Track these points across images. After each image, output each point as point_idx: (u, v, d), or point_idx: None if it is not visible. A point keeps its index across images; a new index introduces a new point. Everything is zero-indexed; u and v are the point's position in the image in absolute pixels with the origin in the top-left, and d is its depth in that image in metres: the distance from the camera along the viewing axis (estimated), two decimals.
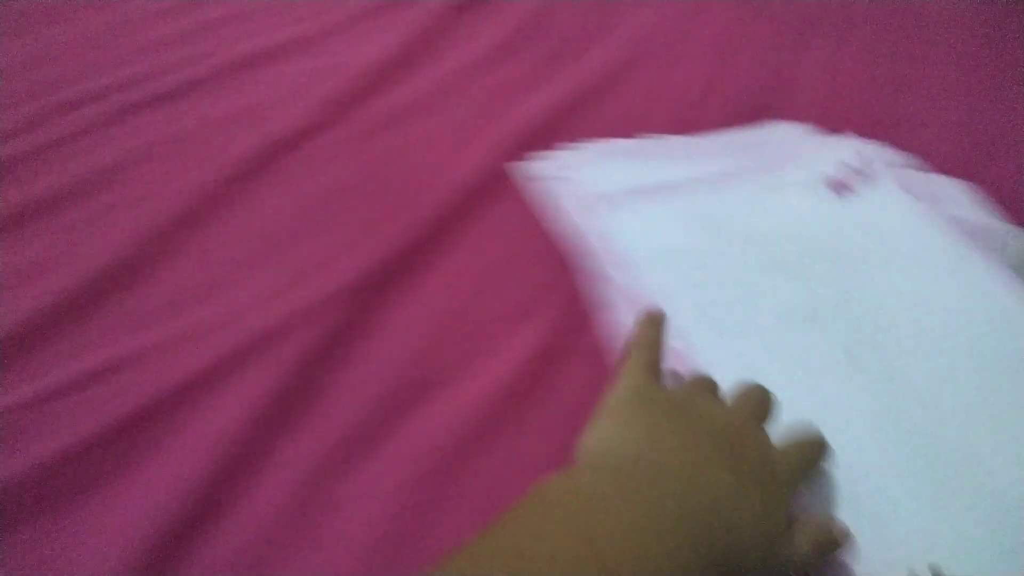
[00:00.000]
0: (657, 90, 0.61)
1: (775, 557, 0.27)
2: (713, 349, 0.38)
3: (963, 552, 0.29)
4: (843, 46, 0.69)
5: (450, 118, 0.56)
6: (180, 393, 0.36)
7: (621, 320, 0.40)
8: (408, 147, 0.53)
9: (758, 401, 0.32)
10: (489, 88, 0.60)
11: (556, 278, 0.43)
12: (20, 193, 0.47)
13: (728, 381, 0.33)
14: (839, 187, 0.48)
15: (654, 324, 0.37)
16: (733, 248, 0.44)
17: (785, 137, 0.53)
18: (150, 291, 0.42)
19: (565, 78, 0.61)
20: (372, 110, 0.56)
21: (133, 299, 0.41)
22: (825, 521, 0.29)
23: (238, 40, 0.64)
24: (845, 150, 0.50)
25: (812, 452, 0.31)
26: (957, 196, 0.46)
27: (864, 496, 0.31)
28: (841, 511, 0.31)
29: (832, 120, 0.55)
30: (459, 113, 0.57)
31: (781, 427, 0.31)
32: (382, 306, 0.41)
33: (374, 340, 0.39)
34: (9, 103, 0.55)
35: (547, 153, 0.52)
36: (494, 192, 0.49)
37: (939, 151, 0.52)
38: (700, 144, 0.53)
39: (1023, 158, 0.54)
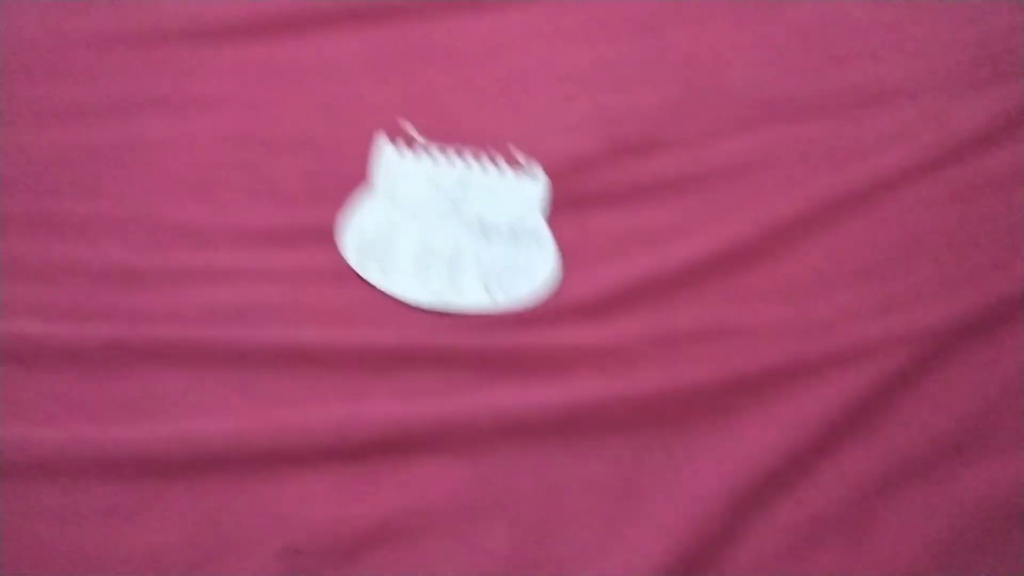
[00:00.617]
0: None
1: None
2: None
3: None
4: None
5: None
6: (772, 372, 0.48)
7: None
8: (996, 216, 0.58)
9: None
10: None
11: None
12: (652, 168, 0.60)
13: None
14: None
15: None
16: None
17: None
18: (757, 278, 0.54)
19: None
20: (970, 170, 0.60)
21: (745, 281, 0.54)
22: None
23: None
24: None
25: None
26: None
27: None
28: None
29: None
30: None
31: None
32: (956, 355, 0.50)
33: (942, 384, 0.49)
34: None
35: None
36: None
37: None
38: None
39: None
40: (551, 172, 0.58)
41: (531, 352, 0.49)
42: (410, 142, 0.59)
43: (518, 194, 0.56)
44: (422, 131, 0.60)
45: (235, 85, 0.63)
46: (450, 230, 0.54)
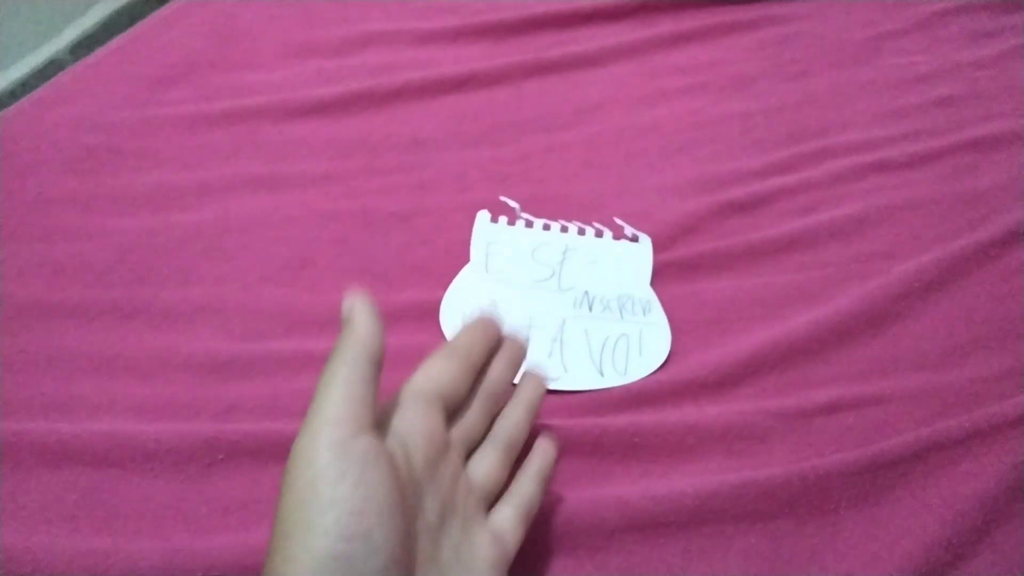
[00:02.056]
0: None
1: None
2: None
3: None
4: None
5: None
6: (917, 449, 0.44)
7: None
8: None
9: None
10: None
11: None
12: (762, 228, 0.57)
13: None
14: None
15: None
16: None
17: None
18: (892, 343, 0.50)
19: None
20: None
21: (874, 347, 0.50)
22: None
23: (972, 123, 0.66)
24: None
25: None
26: None
27: None
28: None
29: None
30: None
31: None
32: None
33: None
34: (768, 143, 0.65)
35: None
36: None
37: None
38: None
39: None
40: (656, 238, 0.56)
41: (650, 434, 0.45)
42: (511, 215, 0.57)
43: (624, 262, 0.54)
44: (520, 202, 0.58)
45: (326, 162, 0.63)
46: (555, 303, 0.51)
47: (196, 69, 0.72)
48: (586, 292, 0.52)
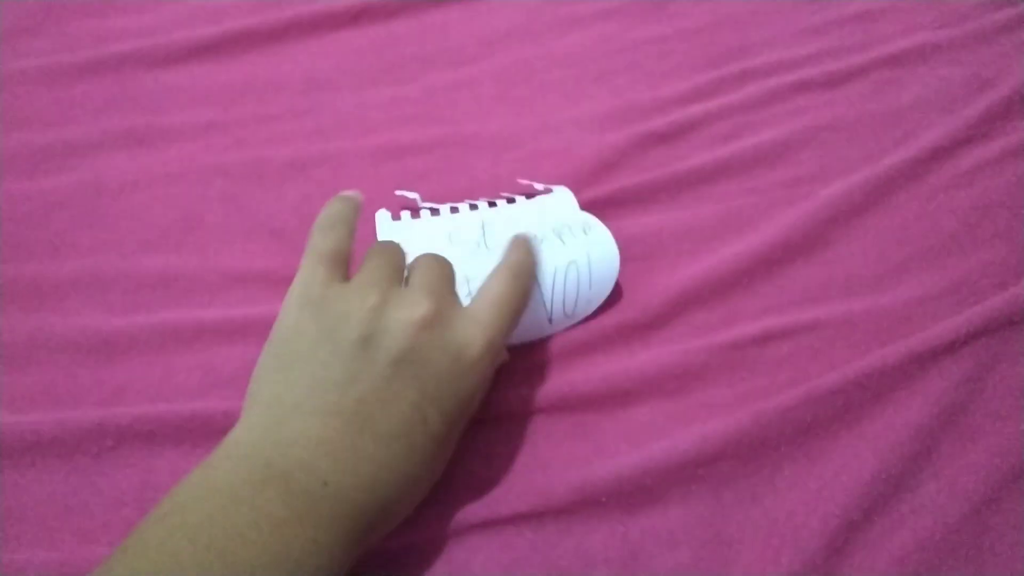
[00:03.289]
0: None
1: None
2: None
3: None
4: None
5: None
6: (851, 380, 0.42)
7: None
8: None
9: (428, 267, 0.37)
10: None
11: None
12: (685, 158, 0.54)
13: None
14: None
15: (347, 203, 0.40)
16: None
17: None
18: (823, 270, 0.48)
19: None
20: None
21: (804, 275, 0.48)
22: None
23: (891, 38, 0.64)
24: None
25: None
26: None
27: None
28: None
29: None
30: None
31: None
32: None
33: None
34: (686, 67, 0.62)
35: None
36: None
37: None
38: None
39: None
40: (577, 176, 0.52)
41: (581, 384, 0.43)
42: (413, 207, 0.51)
43: (547, 212, 0.49)
44: (429, 145, 0.54)
45: (210, 111, 0.57)
46: (489, 261, 0.46)
47: (53, 16, 0.64)
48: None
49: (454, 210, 0.50)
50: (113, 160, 0.54)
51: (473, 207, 0.50)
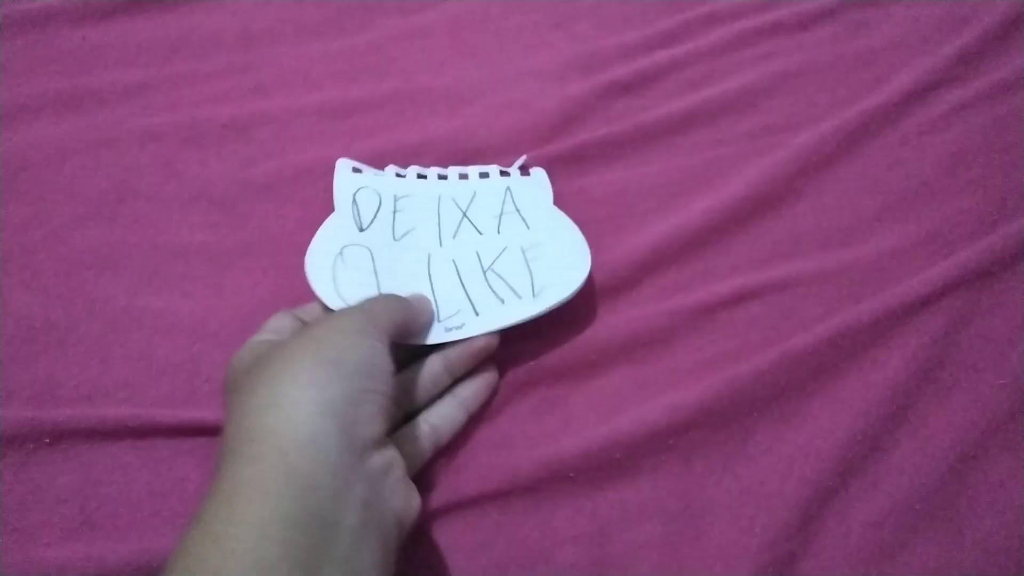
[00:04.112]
0: None
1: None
2: None
3: None
4: None
5: None
6: (825, 339, 0.41)
7: None
8: None
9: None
10: None
11: None
12: (650, 108, 0.52)
13: None
14: None
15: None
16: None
17: None
18: (794, 223, 0.47)
19: None
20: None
21: (775, 230, 0.46)
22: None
23: None
24: None
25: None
26: None
27: None
28: None
29: None
30: None
31: None
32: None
33: (1011, 325, 0.42)
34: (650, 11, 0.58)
35: None
36: None
37: None
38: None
39: None
40: (538, 130, 0.50)
41: (551, 355, 0.41)
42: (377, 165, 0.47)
43: (522, 195, 0.45)
44: (381, 100, 0.50)
45: (141, 70, 0.53)
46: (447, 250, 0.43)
47: None
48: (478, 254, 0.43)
49: (421, 176, 0.46)
50: (38, 127, 0.49)
51: (442, 177, 0.46)
